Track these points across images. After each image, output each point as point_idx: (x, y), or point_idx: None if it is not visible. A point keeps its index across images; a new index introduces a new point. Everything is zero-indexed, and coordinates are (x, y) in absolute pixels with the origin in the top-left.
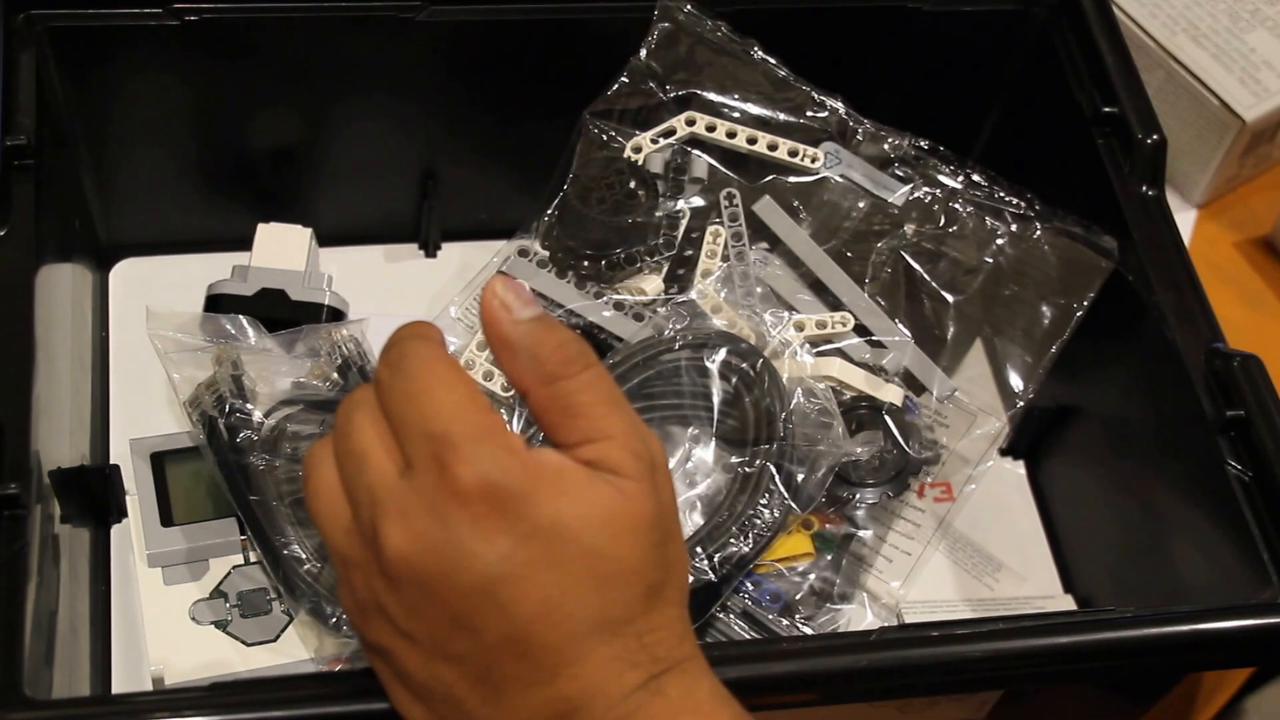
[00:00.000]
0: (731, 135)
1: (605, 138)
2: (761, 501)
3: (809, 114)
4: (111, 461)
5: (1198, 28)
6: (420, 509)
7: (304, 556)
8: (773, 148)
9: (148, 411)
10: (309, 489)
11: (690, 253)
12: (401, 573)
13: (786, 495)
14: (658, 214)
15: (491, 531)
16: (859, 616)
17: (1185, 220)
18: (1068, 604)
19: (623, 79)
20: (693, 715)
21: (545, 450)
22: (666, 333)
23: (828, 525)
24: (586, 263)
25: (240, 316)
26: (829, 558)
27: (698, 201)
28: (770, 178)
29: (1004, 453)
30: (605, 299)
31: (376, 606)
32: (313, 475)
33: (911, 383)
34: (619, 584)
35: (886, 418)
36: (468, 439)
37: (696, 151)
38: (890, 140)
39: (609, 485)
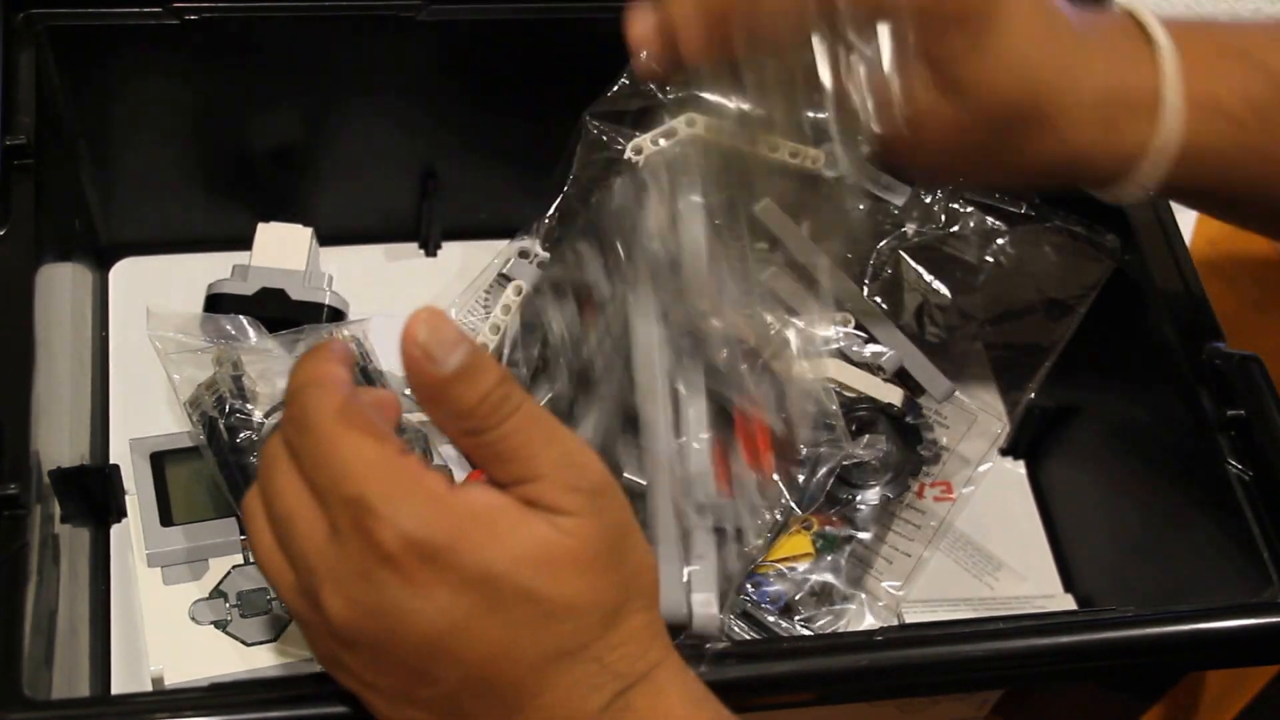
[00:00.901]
0: (733, 137)
1: (605, 139)
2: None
3: (810, 114)
4: (111, 461)
5: None
6: (353, 575)
7: None
8: (773, 149)
9: (148, 411)
10: (252, 545)
11: None
12: (350, 636)
13: (788, 496)
14: None
15: (426, 587)
16: (859, 617)
17: (1186, 219)
18: (1068, 603)
19: (623, 80)
20: None
21: (473, 489)
22: None
23: (828, 526)
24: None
25: (241, 316)
26: (829, 558)
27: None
28: (771, 177)
29: (1004, 452)
30: None
31: (336, 662)
32: (251, 531)
33: (911, 383)
34: (568, 618)
35: (887, 419)
36: (383, 499)
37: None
38: None
39: (545, 523)
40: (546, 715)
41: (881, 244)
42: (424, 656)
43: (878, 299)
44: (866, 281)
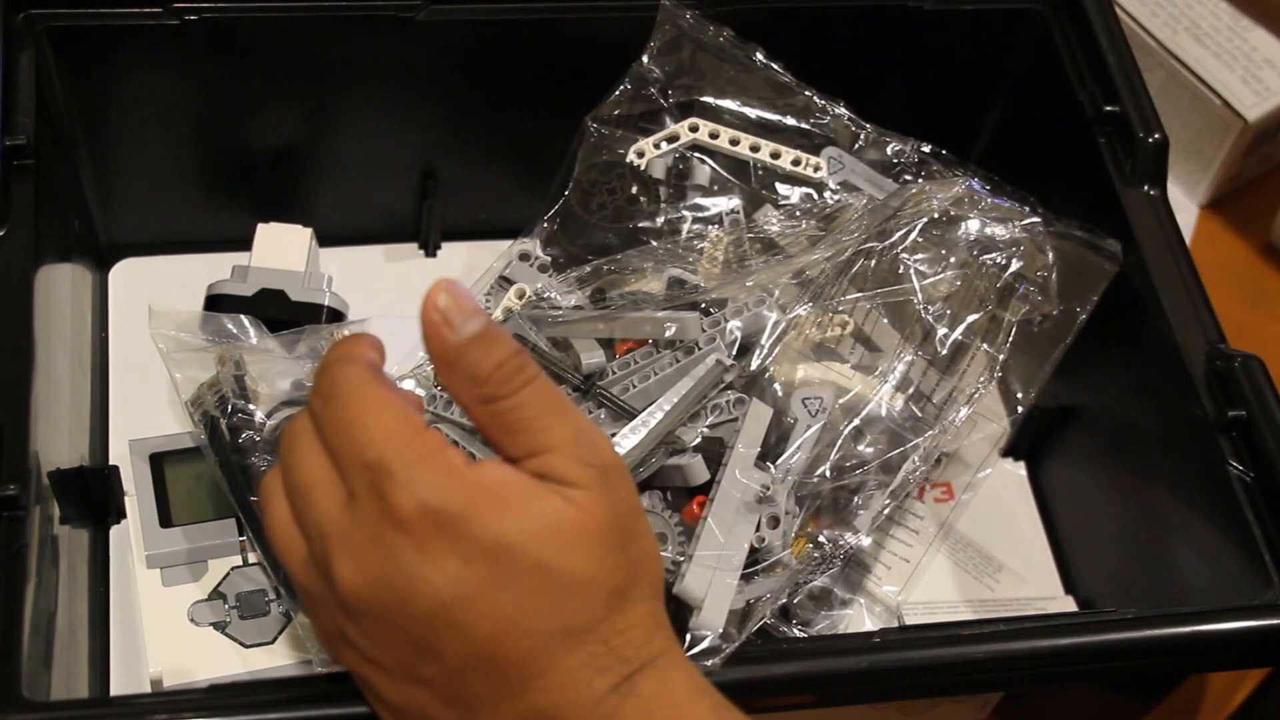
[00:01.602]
0: (735, 143)
1: (607, 143)
2: None
3: (812, 120)
4: (111, 462)
5: (1199, 26)
6: (366, 541)
7: None
8: (775, 155)
9: (147, 412)
10: (266, 522)
11: (691, 258)
12: (358, 605)
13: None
14: (660, 219)
15: (438, 555)
16: (858, 620)
17: (1187, 220)
18: (1069, 605)
19: (625, 84)
20: (668, 711)
21: (489, 464)
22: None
23: (826, 529)
24: (588, 267)
25: (242, 316)
26: (827, 561)
27: (700, 207)
28: (772, 183)
29: (1005, 454)
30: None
31: (342, 636)
32: (268, 508)
33: (911, 385)
34: (576, 594)
35: (886, 420)
36: (403, 465)
37: (699, 156)
38: (892, 145)
39: (557, 496)
40: (550, 697)
41: (882, 246)
42: (430, 628)
43: (878, 302)
44: (867, 285)
